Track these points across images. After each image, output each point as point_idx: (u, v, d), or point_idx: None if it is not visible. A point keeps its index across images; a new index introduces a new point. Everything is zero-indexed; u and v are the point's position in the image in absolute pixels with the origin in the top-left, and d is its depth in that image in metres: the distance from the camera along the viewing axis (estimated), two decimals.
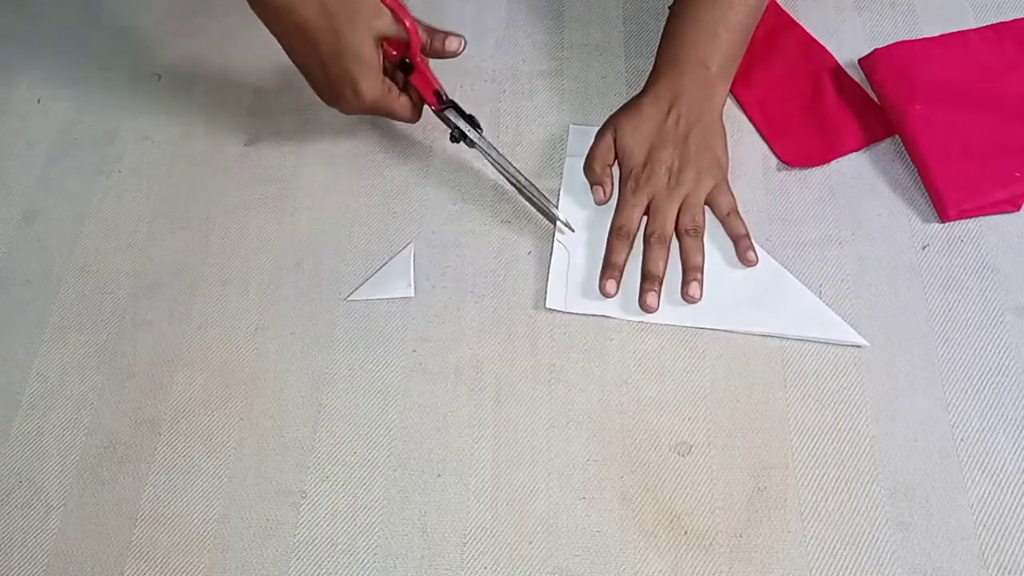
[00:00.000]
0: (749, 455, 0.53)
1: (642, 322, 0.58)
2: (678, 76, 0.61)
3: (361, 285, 0.60)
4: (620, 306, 0.58)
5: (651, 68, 0.64)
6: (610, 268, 0.59)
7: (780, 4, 0.71)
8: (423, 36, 0.59)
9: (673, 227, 0.59)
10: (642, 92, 0.63)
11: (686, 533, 0.51)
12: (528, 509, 0.52)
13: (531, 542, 0.51)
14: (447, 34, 0.60)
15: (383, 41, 0.58)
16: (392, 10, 0.57)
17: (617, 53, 0.70)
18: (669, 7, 0.72)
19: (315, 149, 0.67)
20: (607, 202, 0.62)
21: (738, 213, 0.60)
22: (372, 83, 0.58)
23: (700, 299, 0.58)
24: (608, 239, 0.60)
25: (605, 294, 0.58)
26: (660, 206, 0.59)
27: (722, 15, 0.62)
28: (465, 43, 0.61)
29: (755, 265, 0.59)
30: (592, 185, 0.62)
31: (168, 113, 0.70)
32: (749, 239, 0.59)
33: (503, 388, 0.56)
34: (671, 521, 0.51)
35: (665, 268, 0.58)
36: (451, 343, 0.58)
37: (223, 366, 0.58)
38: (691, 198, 0.60)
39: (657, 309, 0.57)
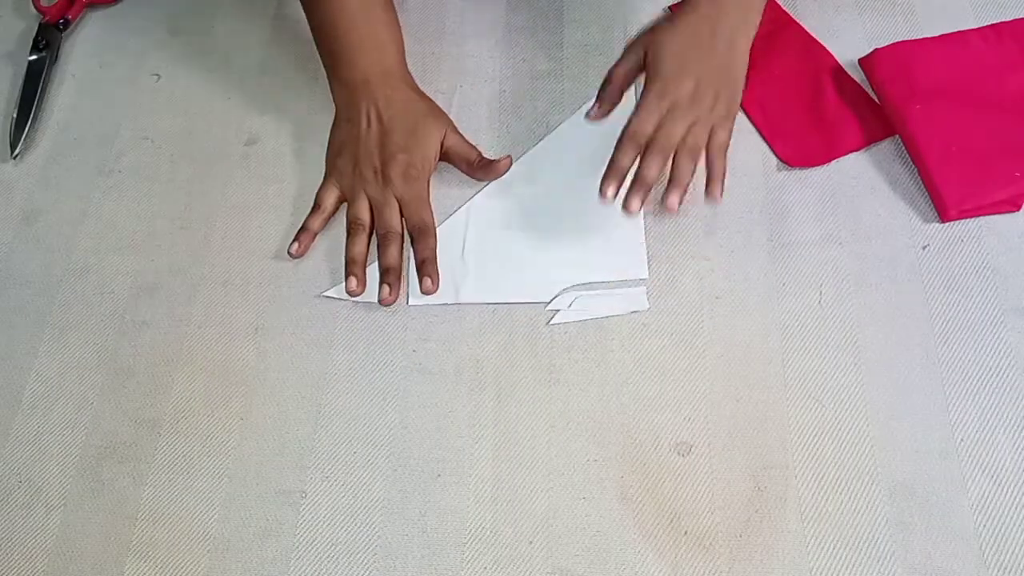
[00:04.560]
0: (749, 455, 0.53)
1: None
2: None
3: (339, 284, 0.60)
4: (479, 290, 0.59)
5: None
6: (615, 171, 0.58)
7: (780, 4, 0.71)
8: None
9: (678, 141, 0.58)
10: (681, 9, 0.61)
11: (686, 533, 0.51)
12: (528, 509, 0.52)
13: (531, 542, 0.51)
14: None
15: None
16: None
17: (617, 53, 0.70)
18: (669, 8, 0.72)
19: (315, 149, 0.67)
20: (600, 119, 0.62)
21: (725, 153, 0.59)
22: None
23: (676, 209, 0.57)
24: (620, 141, 0.58)
25: (604, 197, 0.57)
26: (675, 116, 0.58)
27: None
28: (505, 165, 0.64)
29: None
30: (599, 99, 0.62)
31: (168, 113, 0.70)
32: (723, 184, 0.59)
33: (503, 388, 0.56)
34: (671, 521, 0.51)
35: (659, 177, 0.58)
36: (451, 343, 0.58)
37: (223, 366, 0.58)
38: (702, 119, 0.58)
39: (639, 210, 0.57)
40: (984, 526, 0.50)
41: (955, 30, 0.68)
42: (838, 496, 0.52)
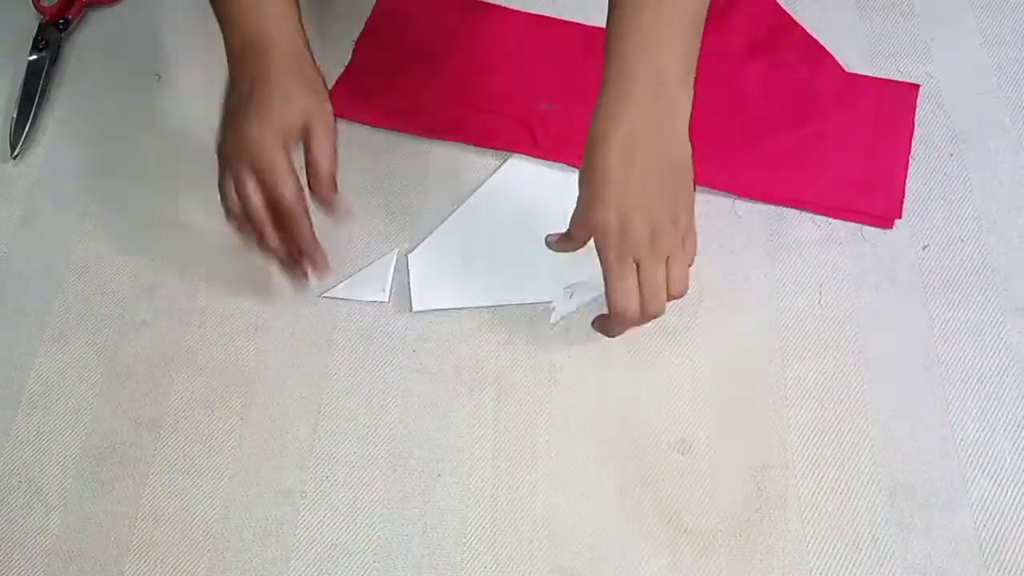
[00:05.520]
0: (749, 455, 0.53)
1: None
2: (630, 101, 0.49)
3: (337, 284, 0.60)
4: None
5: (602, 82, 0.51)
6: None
7: (780, 4, 0.71)
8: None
9: (662, 282, 0.50)
10: (594, 127, 0.49)
11: (686, 532, 0.51)
12: (528, 509, 0.52)
13: (531, 541, 0.51)
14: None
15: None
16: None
17: None
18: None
19: None
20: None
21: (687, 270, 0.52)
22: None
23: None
24: (610, 323, 0.52)
25: None
26: (649, 277, 0.50)
27: (667, 13, 0.49)
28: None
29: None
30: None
31: (168, 113, 0.70)
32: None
33: (503, 388, 0.56)
34: (671, 520, 0.51)
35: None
36: (451, 343, 0.58)
37: (223, 366, 0.58)
38: (675, 256, 0.50)
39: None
40: (984, 526, 0.50)
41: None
42: (838, 496, 0.52)
